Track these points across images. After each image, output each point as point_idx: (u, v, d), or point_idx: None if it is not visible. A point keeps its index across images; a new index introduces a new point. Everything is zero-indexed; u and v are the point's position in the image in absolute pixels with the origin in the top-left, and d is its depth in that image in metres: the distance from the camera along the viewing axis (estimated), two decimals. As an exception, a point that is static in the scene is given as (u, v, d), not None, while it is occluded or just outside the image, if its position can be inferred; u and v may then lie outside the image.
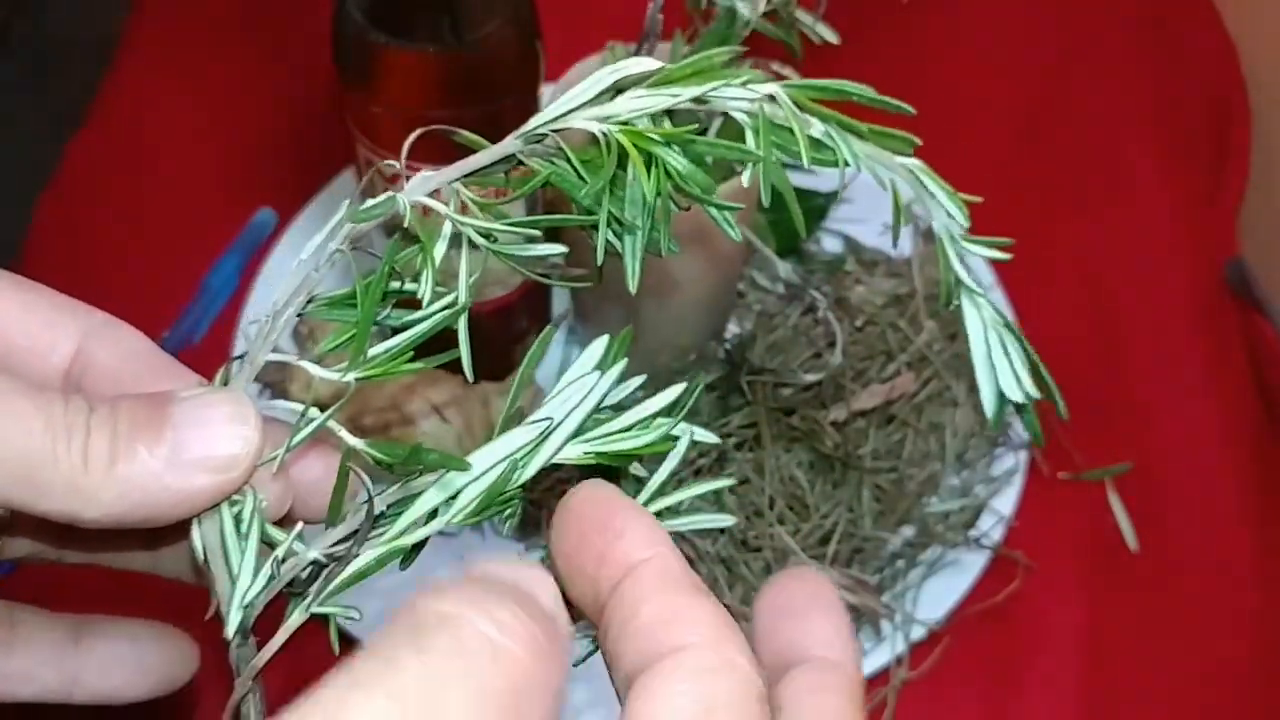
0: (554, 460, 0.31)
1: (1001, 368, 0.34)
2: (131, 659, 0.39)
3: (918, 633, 0.58)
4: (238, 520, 0.31)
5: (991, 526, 0.61)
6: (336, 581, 0.31)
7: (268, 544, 0.31)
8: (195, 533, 0.31)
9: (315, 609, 0.31)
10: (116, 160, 0.76)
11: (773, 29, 0.57)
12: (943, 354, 0.63)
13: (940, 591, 0.60)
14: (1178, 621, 0.62)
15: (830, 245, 0.71)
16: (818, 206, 0.71)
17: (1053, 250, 0.73)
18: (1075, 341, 0.70)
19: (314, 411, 0.31)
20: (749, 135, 0.32)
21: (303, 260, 0.33)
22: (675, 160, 0.31)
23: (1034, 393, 0.34)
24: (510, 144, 0.32)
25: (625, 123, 0.31)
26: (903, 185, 0.34)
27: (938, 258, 0.34)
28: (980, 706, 0.59)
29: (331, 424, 0.31)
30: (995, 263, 0.72)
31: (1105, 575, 0.63)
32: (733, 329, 0.67)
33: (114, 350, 0.34)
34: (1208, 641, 0.61)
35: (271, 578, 0.31)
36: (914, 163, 0.33)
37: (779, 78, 0.62)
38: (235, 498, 0.32)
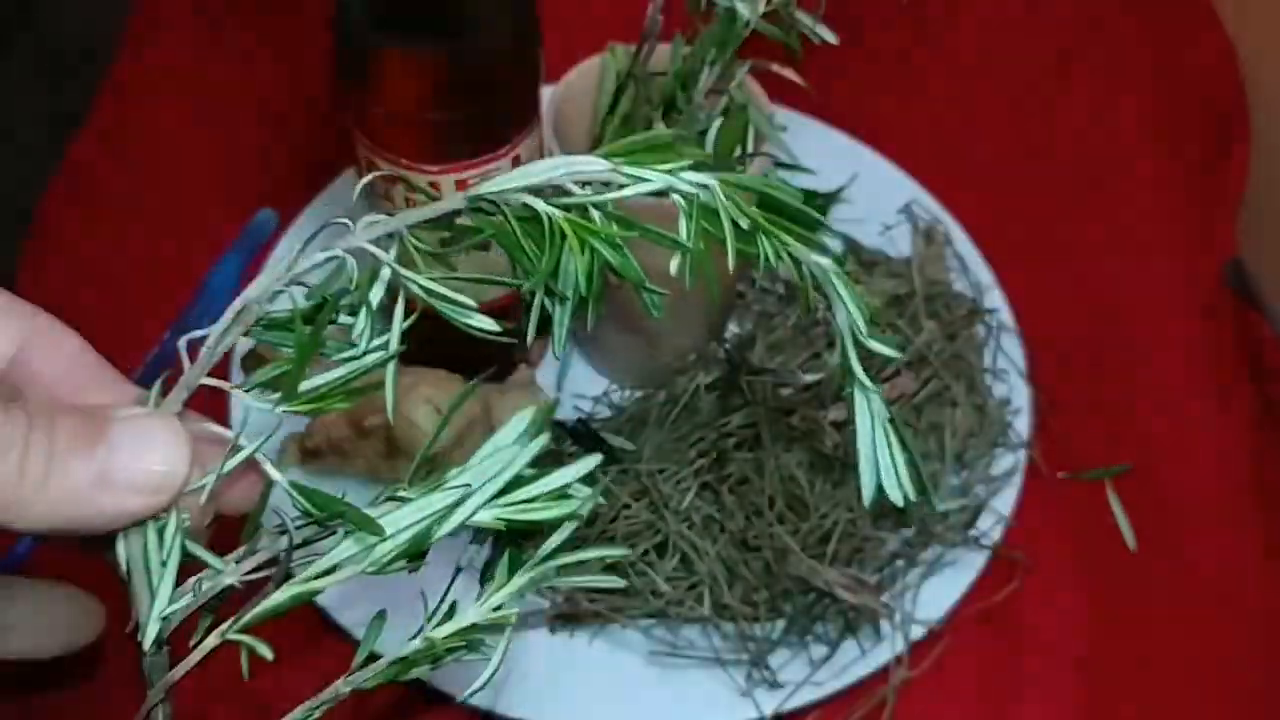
0: (466, 523, 0.33)
1: (885, 465, 0.37)
2: (39, 620, 0.40)
3: (917, 632, 0.59)
4: (160, 535, 0.33)
5: (991, 526, 0.61)
6: (252, 614, 0.32)
7: (190, 556, 0.33)
8: (120, 545, 0.33)
9: (230, 636, 0.32)
10: (117, 161, 0.76)
11: (772, 30, 0.57)
12: (942, 354, 0.63)
13: (940, 591, 0.60)
14: (1177, 621, 0.62)
15: (830, 245, 0.71)
16: (817, 207, 0.71)
17: (1052, 250, 0.74)
18: (1074, 341, 0.70)
19: (243, 440, 0.33)
20: (681, 221, 0.34)
21: (247, 295, 0.33)
22: (609, 254, 0.33)
23: (912, 495, 0.37)
24: (456, 199, 0.33)
25: (566, 207, 0.33)
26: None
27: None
28: (979, 706, 0.59)
29: (259, 457, 0.33)
30: (995, 262, 0.72)
31: (1104, 575, 0.63)
32: (733, 329, 0.67)
33: (55, 356, 0.35)
34: (1207, 641, 0.61)
35: (191, 596, 0.32)
36: (826, 262, 0.36)
37: (779, 79, 0.62)
38: (160, 514, 0.33)
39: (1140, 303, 0.73)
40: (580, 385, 0.65)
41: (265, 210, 0.73)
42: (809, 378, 0.60)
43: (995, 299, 0.69)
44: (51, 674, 0.57)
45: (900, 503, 0.37)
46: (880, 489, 0.36)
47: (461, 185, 0.56)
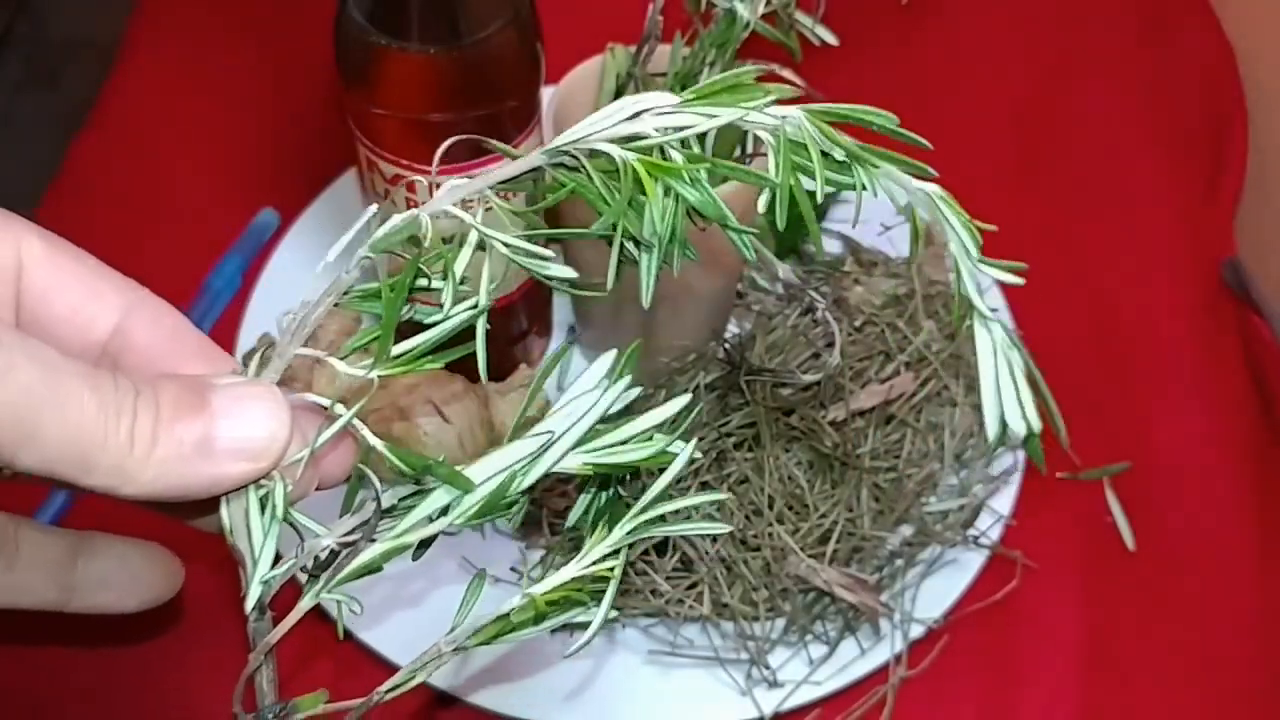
0: (553, 470, 0.33)
1: (1007, 395, 0.35)
2: (122, 576, 0.41)
3: (916, 631, 0.59)
4: (263, 502, 0.33)
5: (990, 526, 0.61)
6: (345, 571, 0.33)
7: (290, 524, 0.33)
8: (224, 510, 0.34)
9: (323, 596, 0.33)
10: (119, 161, 0.76)
11: (772, 31, 0.58)
12: (941, 354, 0.63)
13: (939, 590, 0.60)
14: (1176, 621, 0.62)
15: (829, 246, 0.71)
16: (817, 207, 0.72)
17: (1051, 250, 0.74)
18: (1073, 341, 0.70)
19: (339, 407, 0.33)
20: (770, 157, 0.33)
21: (328, 263, 0.34)
22: (688, 191, 0.32)
23: (1036, 425, 0.35)
24: (536, 157, 0.33)
25: (645, 150, 0.32)
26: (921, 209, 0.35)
27: (936, 260, 0.35)
28: (978, 705, 0.59)
29: (355, 422, 0.33)
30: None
31: (1103, 574, 0.63)
32: (732, 329, 0.67)
33: (153, 328, 0.36)
34: (1206, 641, 0.62)
35: (291, 560, 0.33)
36: (933, 188, 0.34)
37: (778, 79, 0.62)
38: (263, 481, 0.34)
39: (1139, 302, 0.73)
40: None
41: (266, 210, 0.73)
42: (809, 378, 0.60)
43: (995, 298, 0.69)
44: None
45: (1023, 432, 0.34)
46: (1004, 421, 0.34)
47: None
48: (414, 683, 0.35)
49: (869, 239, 0.70)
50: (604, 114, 0.32)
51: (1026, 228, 0.74)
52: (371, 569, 0.33)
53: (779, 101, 0.33)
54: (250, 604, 0.33)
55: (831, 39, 0.58)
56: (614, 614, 0.59)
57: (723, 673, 0.57)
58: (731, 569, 0.58)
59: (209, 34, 0.83)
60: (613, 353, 0.33)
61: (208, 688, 0.57)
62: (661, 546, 0.58)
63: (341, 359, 0.33)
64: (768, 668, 0.57)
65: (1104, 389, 0.69)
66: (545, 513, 0.59)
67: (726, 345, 0.63)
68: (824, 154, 0.33)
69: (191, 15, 0.83)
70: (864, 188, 0.33)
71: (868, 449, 0.60)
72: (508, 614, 0.35)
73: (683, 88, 0.60)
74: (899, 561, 0.60)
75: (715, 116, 0.32)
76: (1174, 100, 0.82)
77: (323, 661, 0.58)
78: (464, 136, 0.45)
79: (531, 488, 0.33)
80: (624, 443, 0.33)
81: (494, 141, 0.37)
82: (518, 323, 0.65)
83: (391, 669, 0.56)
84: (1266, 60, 0.82)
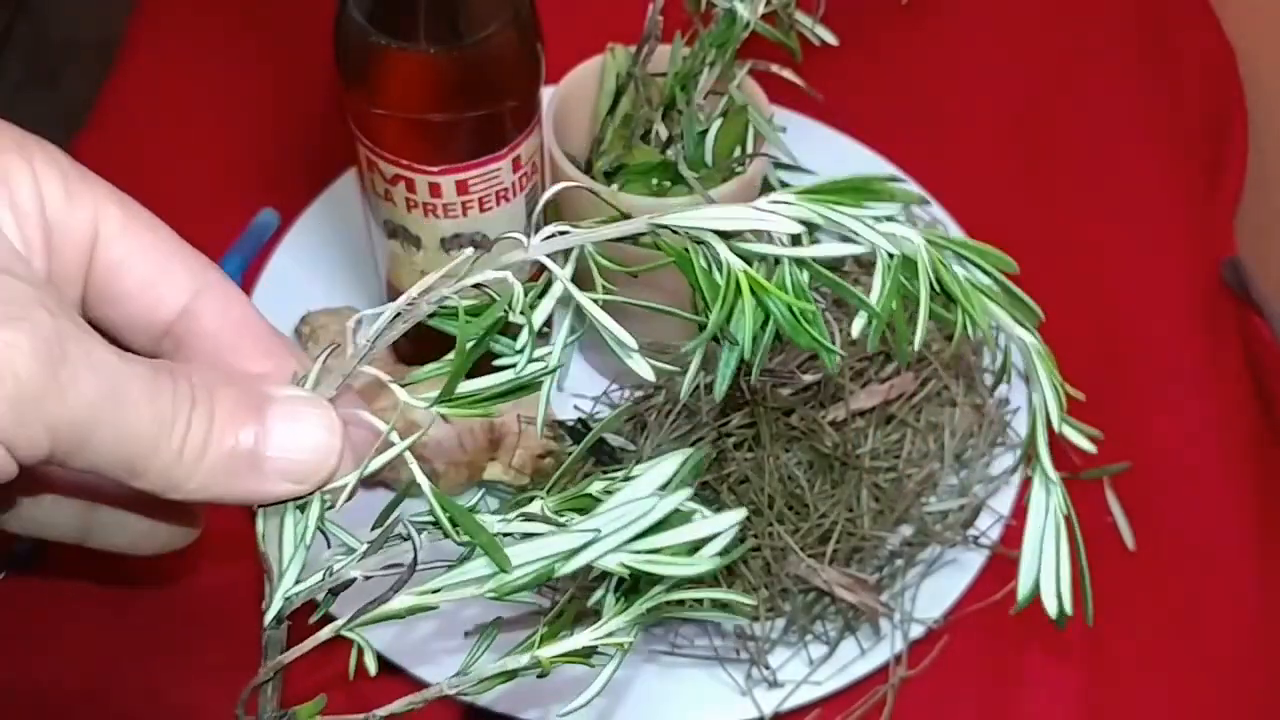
0: (593, 563, 0.33)
1: (1047, 565, 0.35)
2: (143, 522, 0.40)
3: (916, 631, 0.59)
4: (299, 515, 0.34)
5: (990, 526, 0.61)
6: (368, 615, 0.33)
7: (322, 532, 0.34)
8: (259, 519, 0.34)
9: (344, 632, 0.33)
10: (119, 161, 0.75)
11: (772, 31, 0.58)
12: (941, 354, 0.63)
13: (939, 590, 0.60)
14: (1175, 621, 0.62)
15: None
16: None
17: (1051, 249, 0.74)
18: (1072, 340, 0.70)
19: (395, 437, 0.33)
20: (877, 275, 0.33)
21: (412, 296, 0.33)
22: (782, 316, 0.32)
23: (1069, 608, 0.35)
24: (639, 224, 0.33)
25: (751, 255, 0.32)
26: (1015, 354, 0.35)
27: (1029, 433, 0.35)
28: (978, 705, 0.59)
29: (407, 455, 0.33)
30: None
31: (1103, 575, 0.63)
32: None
33: (222, 315, 0.35)
34: (1206, 641, 0.62)
35: (320, 578, 0.33)
36: (1031, 340, 0.34)
37: (778, 79, 0.62)
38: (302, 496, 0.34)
39: (1139, 302, 0.73)
40: (580, 385, 0.65)
41: (267, 210, 0.73)
42: (809, 378, 0.60)
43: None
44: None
45: (1053, 612, 0.35)
46: (1035, 588, 0.35)
47: (462, 186, 0.56)
48: (409, 710, 0.35)
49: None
50: (727, 211, 0.32)
51: (1026, 227, 0.74)
52: (394, 617, 0.33)
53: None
54: (270, 616, 0.33)
55: (831, 39, 0.58)
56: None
57: (723, 673, 0.57)
58: (732, 569, 0.58)
59: (209, 34, 0.83)
60: (674, 459, 0.33)
61: (213, 684, 0.58)
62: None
63: (404, 386, 0.33)
64: (768, 668, 0.57)
65: (1104, 388, 0.69)
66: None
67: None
68: (932, 285, 0.33)
69: (191, 15, 0.83)
70: (964, 329, 0.33)
71: (868, 449, 0.60)
72: (514, 671, 0.35)
73: (683, 88, 0.60)
74: (899, 561, 0.60)
75: (838, 224, 0.32)
76: (1174, 100, 0.82)
77: (333, 661, 0.58)
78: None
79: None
80: (663, 550, 0.33)
81: (603, 191, 0.36)
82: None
83: (399, 673, 0.56)
84: (1266, 60, 0.82)
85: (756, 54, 0.61)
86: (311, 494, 0.33)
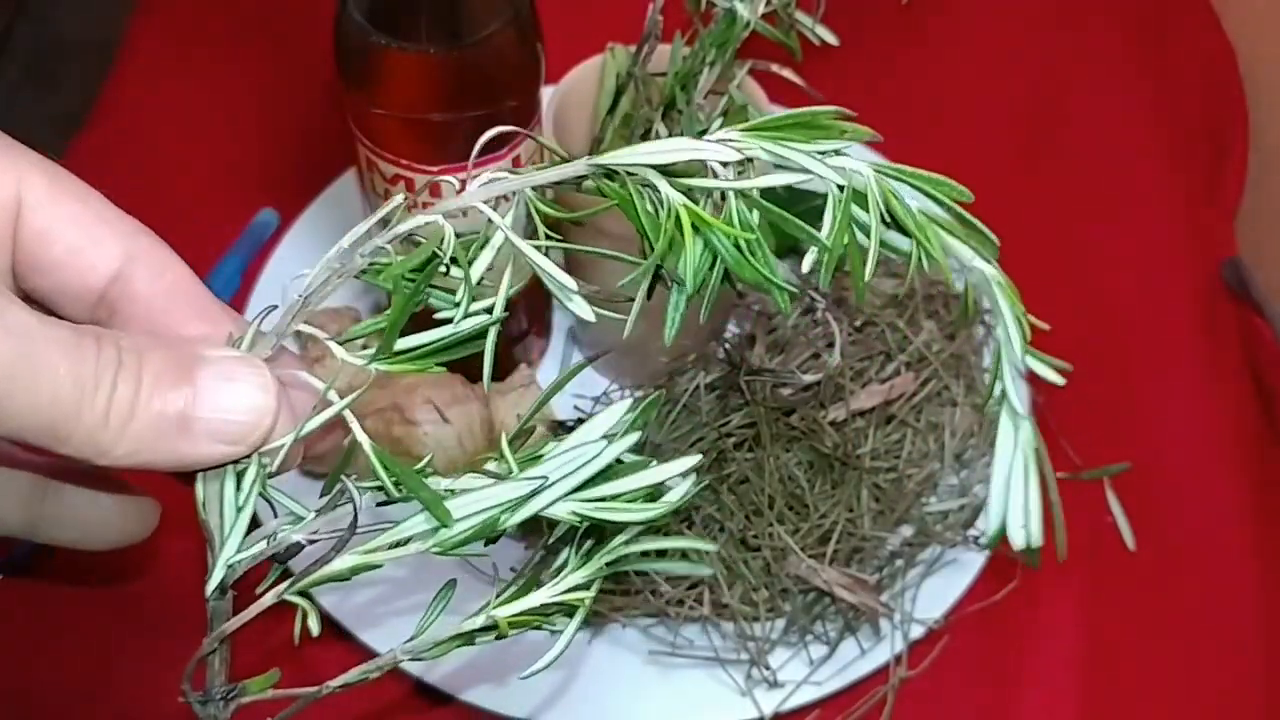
0: (540, 514, 0.32)
1: (1015, 499, 0.34)
2: (90, 514, 0.39)
3: (916, 632, 0.59)
4: (239, 481, 0.33)
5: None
6: (310, 579, 0.32)
7: (265, 499, 0.33)
8: (199, 486, 0.33)
9: (287, 596, 0.32)
10: (119, 161, 0.76)
11: (772, 31, 0.58)
12: (941, 354, 0.63)
13: (939, 591, 0.60)
14: (1176, 620, 0.62)
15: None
16: (817, 208, 0.71)
17: (1051, 250, 0.74)
18: (1073, 341, 0.70)
19: (333, 395, 0.32)
20: (828, 211, 0.32)
21: (343, 248, 0.32)
22: (727, 250, 0.31)
23: (1036, 539, 0.34)
24: (582, 166, 0.32)
25: (697, 191, 0.31)
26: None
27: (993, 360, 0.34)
28: (978, 705, 0.59)
29: (348, 414, 0.32)
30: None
31: (1103, 574, 0.63)
32: (732, 329, 0.67)
33: (155, 280, 0.35)
34: (1206, 641, 0.62)
35: (263, 545, 0.32)
36: (991, 271, 0.34)
37: (778, 79, 0.62)
38: (241, 460, 0.33)
39: (1139, 302, 0.73)
40: (580, 385, 0.65)
41: (266, 210, 0.73)
42: (808, 378, 0.60)
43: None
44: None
45: (1019, 545, 0.34)
46: (1003, 525, 0.34)
47: (462, 186, 0.56)
48: (362, 681, 0.34)
49: (869, 239, 0.70)
50: (665, 144, 0.31)
51: (1026, 227, 0.74)
52: (337, 578, 0.32)
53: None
54: (211, 585, 0.32)
55: (831, 39, 0.58)
56: (615, 615, 0.60)
57: (723, 673, 0.57)
58: (732, 569, 0.58)
59: (209, 34, 0.83)
60: (624, 405, 0.33)
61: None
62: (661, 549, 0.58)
63: (342, 343, 0.32)
64: (768, 668, 0.57)
65: (1104, 388, 0.69)
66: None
67: (726, 345, 0.63)
68: (883, 218, 0.32)
69: (191, 16, 0.83)
70: (919, 261, 0.32)
71: (868, 449, 0.60)
72: (469, 633, 0.34)
73: (683, 87, 0.60)
74: (899, 562, 0.60)
75: (782, 159, 0.31)
76: (1174, 100, 0.82)
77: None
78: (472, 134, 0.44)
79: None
80: (616, 497, 0.32)
81: (530, 133, 0.35)
82: (517, 323, 0.65)
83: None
84: (1266, 60, 0.82)
85: (756, 54, 0.61)
86: (248, 456, 0.32)
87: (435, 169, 0.55)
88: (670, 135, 0.62)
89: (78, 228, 0.34)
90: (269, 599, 0.32)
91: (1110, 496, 0.64)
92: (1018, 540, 0.34)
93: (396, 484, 0.32)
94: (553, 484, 0.32)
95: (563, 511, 0.32)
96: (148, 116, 0.79)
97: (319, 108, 0.77)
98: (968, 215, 0.33)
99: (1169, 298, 0.73)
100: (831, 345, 0.60)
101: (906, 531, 0.60)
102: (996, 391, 0.34)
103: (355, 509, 0.32)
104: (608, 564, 0.34)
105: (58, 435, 0.31)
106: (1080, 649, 0.61)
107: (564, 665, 0.58)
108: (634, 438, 0.32)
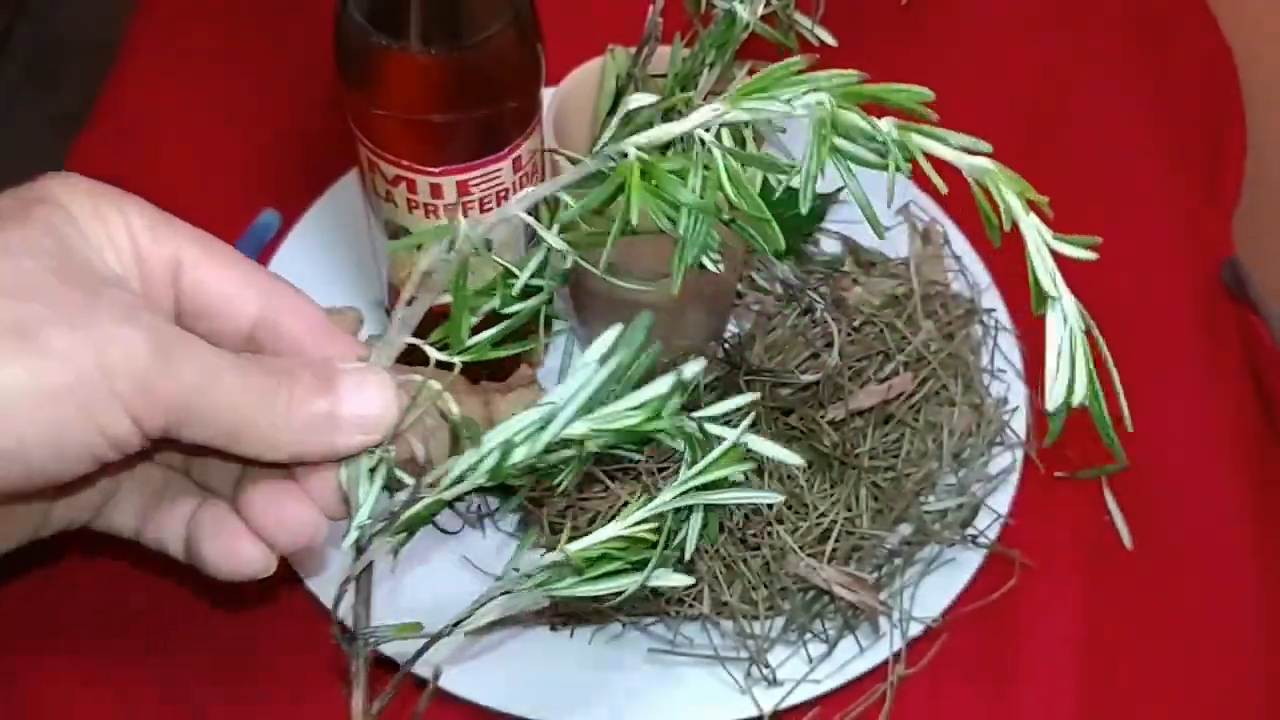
0: (561, 435, 0.38)
1: (1077, 371, 0.40)
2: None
3: (915, 630, 0.59)
4: (373, 465, 0.42)
5: (988, 525, 0.62)
6: (399, 522, 0.41)
7: (396, 479, 0.42)
8: (341, 470, 0.42)
9: (386, 539, 0.42)
10: (120, 162, 0.76)
11: (771, 32, 0.58)
12: (940, 354, 0.63)
13: (937, 589, 0.60)
14: (1174, 619, 0.62)
15: (828, 246, 0.71)
16: (816, 208, 0.72)
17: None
18: (1072, 341, 0.71)
19: (433, 383, 0.41)
20: (812, 142, 0.36)
21: (422, 271, 0.41)
22: (681, 194, 0.37)
23: (1087, 401, 0.40)
24: (593, 163, 0.38)
25: (670, 144, 0.37)
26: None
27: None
28: (977, 703, 0.59)
29: (447, 395, 0.41)
30: (992, 263, 0.72)
31: (1101, 573, 0.63)
32: (731, 329, 0.68)
33: (294, 318, 0.44)
34: (1204, 640, 0.62)
35: (388, 511, 0.42)
36: (987, 163, 0.38)
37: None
38: (373, 450, 0.42)
39: (1137, 302, 0.73)
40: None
41: (268, 211, 0.74)
42: (807, 377, 0.60)
43: (992, 299, 0.69)
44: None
45: (1075, 403, 0.39)
46: (1070, 390, 0.39)
47: (463, 186, 0.56)
48: (478, 623, 0.42)
49: (868, 239, 0.70)
50: (660, 129, 0.37)
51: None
52: (421, 518, 0.41)
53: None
54: (348, 542, 0.41)
55: (831, 40, 0.58)
56: (614, 613, 0.60)
57: (722, 671, 0.58)
58: (731, 568, 0.58)
59: (209, 35, 0.83)
60: (615, 330, 0.37)
61: (213, 683, 0.58)
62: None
63: (431, 344, 0.41)
64: (767, 666, 0.57)
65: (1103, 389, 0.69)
66: (545, 513, 0.59)
67: (726, 345, 0.63)
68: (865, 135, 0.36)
69: (192, 16, 0.83)
70: (897, 169, 0.36)
71: (866, 449, 0.61)
72: (550, 565, 0.41)
73: (682, 89, 0.60)
74: (898, 560, 0.60)
75: (760, 111, 0.36)
76: (1173, 100, 0.82)
77: (318, 658, 0.58)
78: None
79: (533, 485, 0.39)
80: (631, 409, 0.38)
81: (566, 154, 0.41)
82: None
83: (392, 666, 0.56)
84: (1265, 61, 0.82)
85: (756, 54, 0.61)
86: (380, 443, 0.42)
87: (436, 170, 0.56)
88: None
89: (225, 281, 0.43)
90: (379, 543, 0.42)
91: (1107, 495, 0.64)
92: (1078, 395, 0.39)
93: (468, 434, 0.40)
94: (564, 406, 0.37)
95: (581, 430, 0.38)
96: (148, 116, 0.79)
97: (320, 108, 0.77)
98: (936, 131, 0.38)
99: (1168, 298, 0.73)
100: (830, 345, 0.60)
101: (905, 530, 0.61)
102: (1042, 282, 0.40)
103: (421, 467, 0.41)
104: (674, 498, 0.40)
105: (237, 438, 0.40)
106: (1079, 648, 0.61)
107: (564, 664, 0.58)
108: (622, 355, 0.37)
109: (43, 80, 0.83)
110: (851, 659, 0.58)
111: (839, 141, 0.36)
